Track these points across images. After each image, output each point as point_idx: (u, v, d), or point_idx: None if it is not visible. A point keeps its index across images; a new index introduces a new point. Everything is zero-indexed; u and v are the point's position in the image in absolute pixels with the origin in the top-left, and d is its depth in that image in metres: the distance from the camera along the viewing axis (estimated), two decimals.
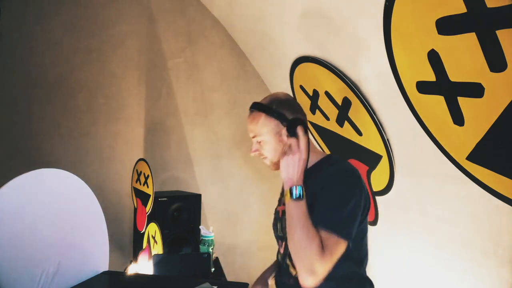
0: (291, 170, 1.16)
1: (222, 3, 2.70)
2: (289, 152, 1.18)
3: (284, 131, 1.25)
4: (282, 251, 1.34)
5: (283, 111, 1.26)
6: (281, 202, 1.43)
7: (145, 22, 2.77)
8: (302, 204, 1.12)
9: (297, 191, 1.13)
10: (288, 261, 1.27)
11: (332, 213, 1.11)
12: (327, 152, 2.24)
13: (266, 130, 1.27)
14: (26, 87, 2.48)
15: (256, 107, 1.31)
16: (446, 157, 1.41)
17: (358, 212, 1.16)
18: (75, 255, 1.13)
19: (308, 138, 1.24)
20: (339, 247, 1.08)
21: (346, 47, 1.77)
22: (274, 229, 1.45)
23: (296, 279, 1.22)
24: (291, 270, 1.26)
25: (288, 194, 1.14)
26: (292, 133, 1.22)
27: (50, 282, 1.02)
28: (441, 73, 1.27)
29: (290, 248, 1.12)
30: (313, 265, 1.03)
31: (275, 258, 1.47)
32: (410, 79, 1.42)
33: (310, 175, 1.23)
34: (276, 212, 1.45)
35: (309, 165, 1.26)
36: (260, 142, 1.30)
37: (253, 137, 1.32)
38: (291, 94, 2.34)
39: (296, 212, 1.11)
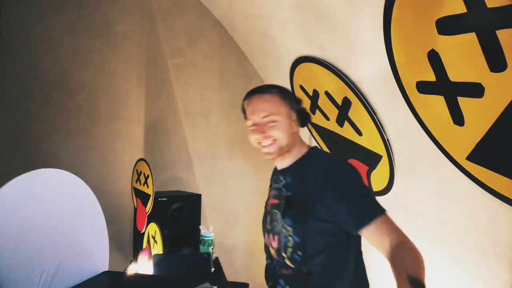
0: None
1: (222, 3, 2.70)
2: None
3: (294, 117, 1.32)
4: (275, 245, 1.31)
5: (293, 99, 1.37)
6: (270, 195, 1.42)
7: (145, 22, 2.76)
8: None
9: None
10: (283, 254, 1.26)
11: (361, 206, 1.16)
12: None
13: (282, 111, 1.30)
14: (26, 87, 2.47)
15: (271, 88, 1.36)
16: (446, 157, 1.41)
17: (366, 186, 1.23)
18: (75, 255, 1.13)
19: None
20: (389, 220, 1.14)
21: (346, 47, 1.77)
22: (263, 222, 1.44)
23: (293, 268, 1.24)
24: (287, 261, 1.25)
25: None
26: (301, 122, 1.33)
27: (50, 282, 1.02)
28: (441, 73, 1.27)
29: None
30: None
31: None
32: (410, 79, 1.42)
33: (300, 168, 1.29)
34: (266, 205, 1.45)
35: (298, 157, 1.33)
36: (274, 121, 1.28)
37: (265, 116, 1.28)
38: None
39: None
